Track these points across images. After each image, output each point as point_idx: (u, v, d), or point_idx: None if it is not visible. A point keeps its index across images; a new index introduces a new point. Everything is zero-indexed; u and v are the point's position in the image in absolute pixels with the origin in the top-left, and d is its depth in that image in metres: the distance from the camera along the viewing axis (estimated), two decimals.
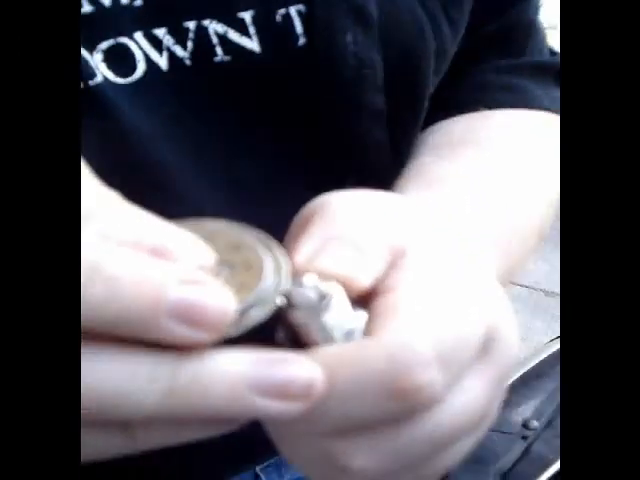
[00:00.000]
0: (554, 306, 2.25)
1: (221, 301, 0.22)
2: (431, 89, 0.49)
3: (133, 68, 0.40)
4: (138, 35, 0.40)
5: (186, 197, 0.42)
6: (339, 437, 0.25)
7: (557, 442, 0.67)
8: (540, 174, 0.47)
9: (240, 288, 0.24)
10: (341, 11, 0.42)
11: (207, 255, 0.23)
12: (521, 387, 0.73)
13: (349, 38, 0.42)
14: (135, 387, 0.22)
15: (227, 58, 0.41)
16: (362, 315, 0.25)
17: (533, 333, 2.11)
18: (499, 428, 0.67)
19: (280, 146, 0.44)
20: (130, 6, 0.40)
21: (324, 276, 0.25)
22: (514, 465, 0.65)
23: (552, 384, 0.73)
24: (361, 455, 0.25)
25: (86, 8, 0.39)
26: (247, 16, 0.41)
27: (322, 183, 0.42)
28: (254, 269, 0.24)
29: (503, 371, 0.28)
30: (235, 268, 0.24)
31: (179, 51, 0.41)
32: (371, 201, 0.29)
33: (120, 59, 0.39)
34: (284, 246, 0.26)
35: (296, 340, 0.25)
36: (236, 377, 0.22)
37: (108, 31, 0.39)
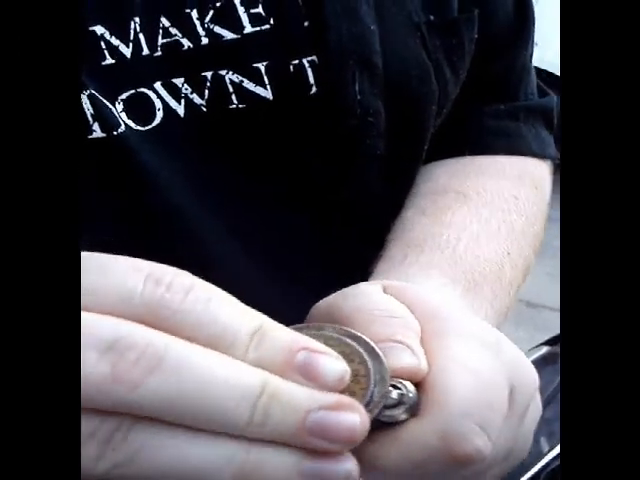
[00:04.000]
0: (537, 317, 2.27)
1: (353, 422, 0.26)
2: (432, 130, 0.51)
3: (152, 116, 0.41)
4: (157, 84, 0.41)
5: (202, 239, 0.44)
6: None
7: (533, 448, 0.69)
8: (512, 228, 0.50)
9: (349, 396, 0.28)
10: (350, 63, 0.44)
11: (345, 374, 0.27)
12: None
13: (357, 88, 0.44)
14: (216, 466, 0.26)
15: (242, 106, 0.43)
16: (414, 391, 0.31)
17: (516, 343, 2.12)
18: None
19: (286, 186, 0.46)
20: (150, 57, 0.41)
21: (397, 373, 0.30)
22: None
23: None
24: None
25: (108, 60, 0.40)
26: (262, 67, 0.43)
27: (319, 223, 0.48)
28: (362, 381, 0.29)
29: (523, 405, 0.33)
30: None
31: (196, 99, 0.43)
32: (374, 298, 0.34)
33: (140, 108, 0.41)
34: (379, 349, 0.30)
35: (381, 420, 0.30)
36: (288, 471, 0.26)
37: (129, 81, 0.41)
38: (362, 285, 0.35)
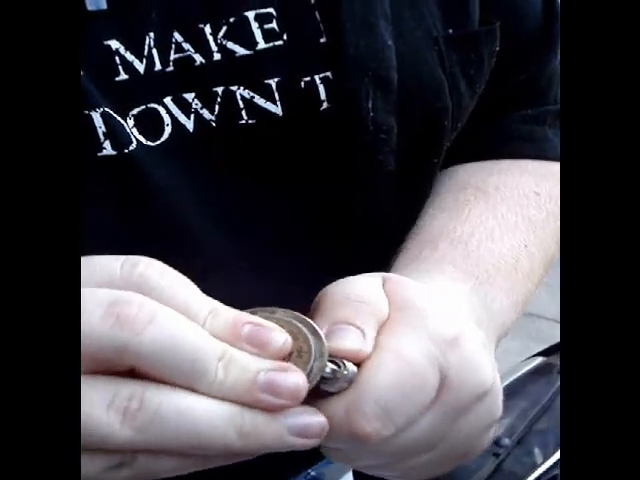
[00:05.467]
0: (531, 327, 2.27)
1: (296, 381, 0.31)
2: (446, 145, 0.51)
3: (161, 131, 0.41)
4: (167, 99, 0.41)
5: (211, 253, 0.44)
6: (335, 451, 0.36)
7: (527, 459, 0.69)
8: (530, 226, 0.51)
9: None
10: (365, 79, 0.44)
11: (286, 342, 0.32)
12: None
13: (370, 105, 0.44)
14: (222, 426, 0.30)
15: (252, 121, 0.43)
16: (354, 368, 0.35)
17: (510, 353, 2.12)
18: None
19: (296, 202, 0.47)
20: (162, 72, 0.41)
21: (340, 353, 0.34)
22: None
23: (524, 403, 0.75)
24: (348, 460, 0.37)
25: (122, 76, 0.40)
26: (273, 83, 0.43)
27: (331, 237, 0.49)
28: (304, 357, 0.33)
29: (458, 403, 0.35)
30: (291, 354, 0.33)
31: (206, 114, 0.43)
32: (359, 285, 0.37)
33: (150, 123, 0.41)
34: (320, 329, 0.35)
35: (320, 390, 0.34)
36: (278, 429, 0.31)
37: (140, 97, 0.41)
38: (364, 275, 0.38)
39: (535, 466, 0.68)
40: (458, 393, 0.35)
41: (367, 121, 0.44)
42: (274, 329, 0.32)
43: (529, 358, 0.85)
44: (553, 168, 0.56)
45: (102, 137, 0.40)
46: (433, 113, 0.48)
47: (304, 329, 0.34)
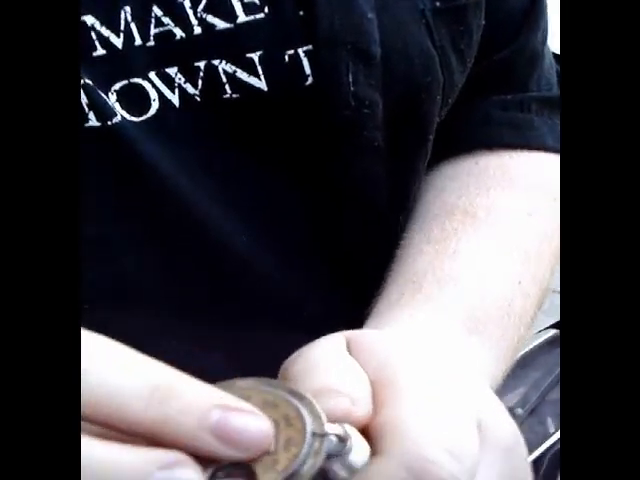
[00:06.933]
0: (546, 301, 2.27)
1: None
2: (438, 120, 0.49)
3: (148, 106, 0.41)
4: (152, 74, 0.41)
5: (203, 223, 0.44)
6: None
7: (540, 428, 0.70)
8: (524, 249, 0.48)
9: (287, 444, 0.26)
10: (343, 53, 0.43)
11: (268, 433, 0.26)
12: (507, 377, 0.75)
13: (350, 79, 0.43)
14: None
15: (236, 95, 0.43)
16: (364, 441, 0.28)
17: None
18: None
19: (287, 170, 0.46)
20: (143, 47, 0.41)
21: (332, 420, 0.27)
22: None
23: (536, 373, 0.76)
24: None
25: (99, 51, 0.40)
26: (255, 57, 0.43)
27: (319, 212, 0.47)
28: (296, 423, 0.26)
29: (502, 440, 0.32)
30: (278, 425, 0.26)
31: (190, 88, 0.42)
32: (323, 351, 0.33)
33: (135, 98, 0.41)
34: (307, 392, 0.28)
35: (324, 476, 0.27)
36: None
37: (121, 72, 0.41)
38: (323, 339, 0.34)
39: (548, 435, 0.69)
40: (497, 431, 0.32)
41: (348, 96, 0.44)
42: (252, 413, 0.25)
43: (542, 330, 0.86)
44: (547, 175, 0.53)
45: (86, 108, 0.40)
46: (422, 87, 0.46)
47: (281, 392, 0.27)
